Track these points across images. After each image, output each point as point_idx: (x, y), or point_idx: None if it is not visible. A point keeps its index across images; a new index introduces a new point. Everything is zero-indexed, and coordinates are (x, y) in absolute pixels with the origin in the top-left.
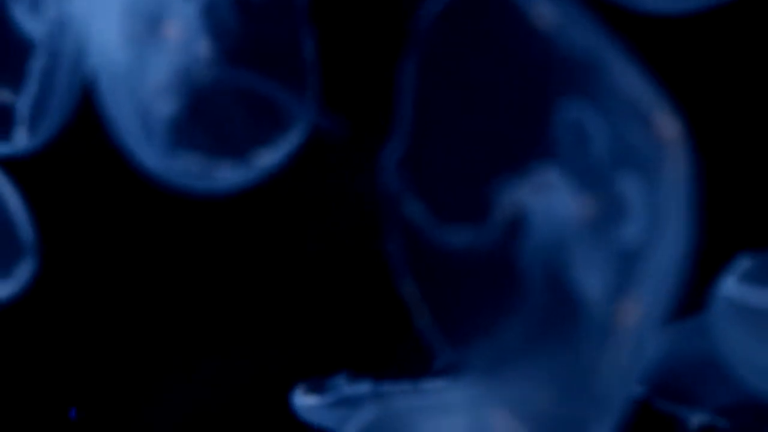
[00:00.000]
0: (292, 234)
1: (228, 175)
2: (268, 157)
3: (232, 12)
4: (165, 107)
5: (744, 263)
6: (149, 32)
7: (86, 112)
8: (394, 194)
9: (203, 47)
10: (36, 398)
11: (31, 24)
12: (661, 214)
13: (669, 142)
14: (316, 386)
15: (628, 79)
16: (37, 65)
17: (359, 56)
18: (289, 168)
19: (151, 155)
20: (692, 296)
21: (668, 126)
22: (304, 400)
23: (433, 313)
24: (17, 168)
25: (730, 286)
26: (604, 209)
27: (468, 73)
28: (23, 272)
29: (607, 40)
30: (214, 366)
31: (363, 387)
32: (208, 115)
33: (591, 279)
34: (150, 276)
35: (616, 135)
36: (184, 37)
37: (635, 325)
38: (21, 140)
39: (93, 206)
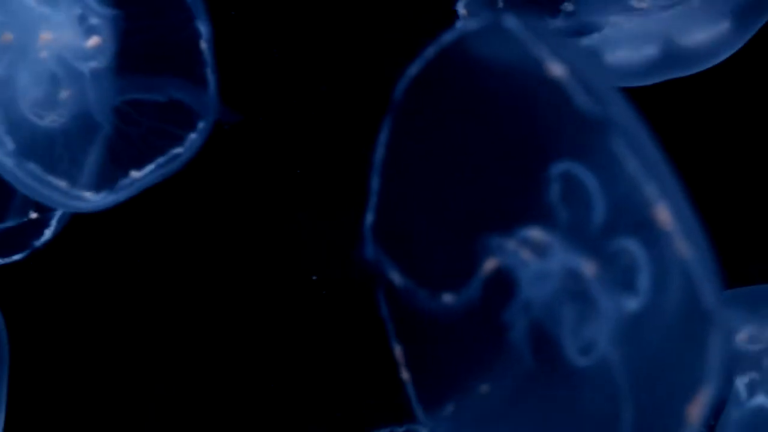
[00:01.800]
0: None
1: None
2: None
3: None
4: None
5: None
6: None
7: None
8: (373, 259)
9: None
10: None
11: None
12: (661, 278)
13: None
14: None
15: (633, 145)
16: None
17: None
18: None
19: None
20: None
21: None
22: None
23: (418, 373)
24: None
25: None
26: (600, 270)
27: (450, 136)
28: None
29: (614, 98)
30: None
31: None
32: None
33: (579, 339)
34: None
35: (615, 198)
36: (61, 46)
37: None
38: None
39: None
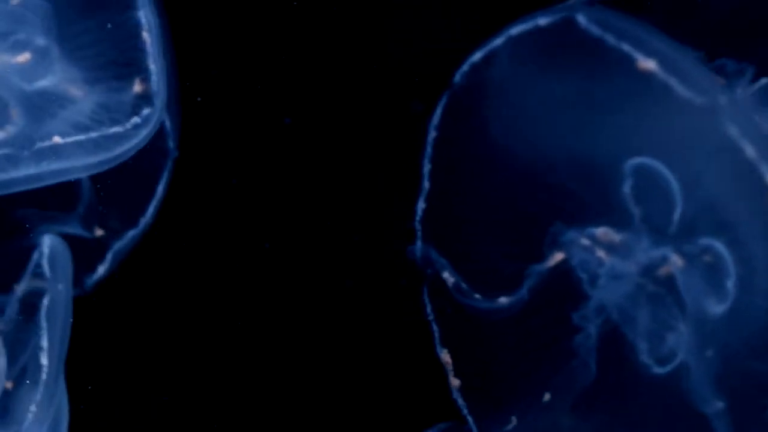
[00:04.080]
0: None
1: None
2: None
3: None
4: None
5: None
6: None
7: None
8: (423, 256)
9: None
10: None
11: None
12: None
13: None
14: None
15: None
16: None
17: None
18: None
19: None
20: None
21: None
22: None
23: (470, 380)
24: None
25: None
26: (681, 271)
27: (512, 125)
28: None
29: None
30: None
31: None
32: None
33: (655, 344)
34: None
35: (704, 195)
36: None
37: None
38: None
39: None
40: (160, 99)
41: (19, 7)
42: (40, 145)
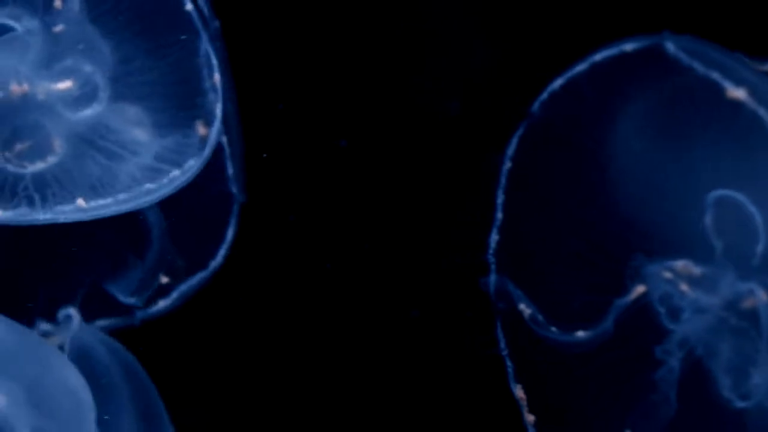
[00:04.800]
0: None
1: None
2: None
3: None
4: None
5: None
6: None
7: None
8: (498, 288)
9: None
10: None
11: None
12: None
13: None
14: None
15: None
16: None
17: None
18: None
19: None
20: None
21: None
22: None
23: (545, 416)
24: None
25: None
26: (766, 303)
27: (592, 154)
28: None
29: None
30: None
31: None
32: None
33: (738, 378)
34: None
35: None
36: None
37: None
38: None
39: None
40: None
41: (66, 33)
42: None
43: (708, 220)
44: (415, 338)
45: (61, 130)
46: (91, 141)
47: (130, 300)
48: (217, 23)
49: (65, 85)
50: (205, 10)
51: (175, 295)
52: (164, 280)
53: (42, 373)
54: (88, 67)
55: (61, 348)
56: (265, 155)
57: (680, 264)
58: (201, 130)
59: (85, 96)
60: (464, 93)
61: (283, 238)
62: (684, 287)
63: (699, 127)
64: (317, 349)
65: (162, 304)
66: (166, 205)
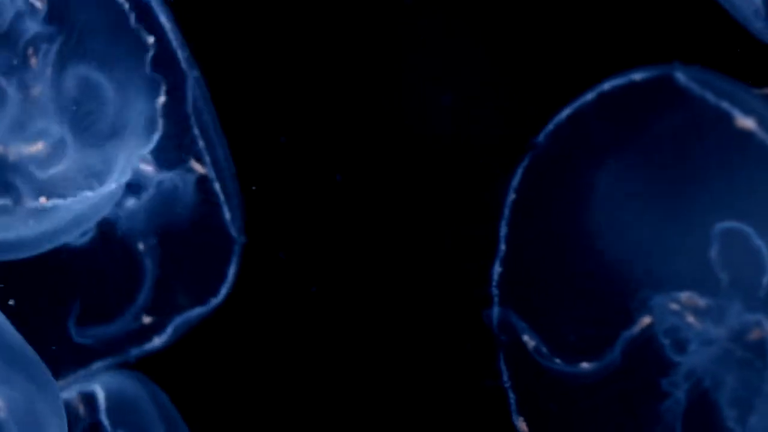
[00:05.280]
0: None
1: None
2: None
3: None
4: None
5: None
6: None
7: None
8: (501, 319)
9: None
10: None
11: None
12: None
13: None
14: None
15: None
16: None
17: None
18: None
19: None
20: None
21: None
22: None
23: None
24: None
25: None
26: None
27: (597, 185)
28: None
29: None
30: None
31: None
32: None
33: (742, 409)
34: None
35: None
36: None
37: None
38: None
39: None
40: None
41: (42, 95)
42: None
43: (714, 252)
44: (416, 370)
45: (30, 189)
46: (62, 195)
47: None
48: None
49: (36, 147)
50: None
51: (170, 330)
52: (147, 320)
53: (39, 395)
54: (56, 128)
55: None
56: (254, 187)
57: (685, 296)
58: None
59: (55, 155)
60: (468, 124)
61: (284, 272)
62: (690, 319)
63: (707, 158)
64: (319, 382)
65: (157, 341)
66: (166, 242)
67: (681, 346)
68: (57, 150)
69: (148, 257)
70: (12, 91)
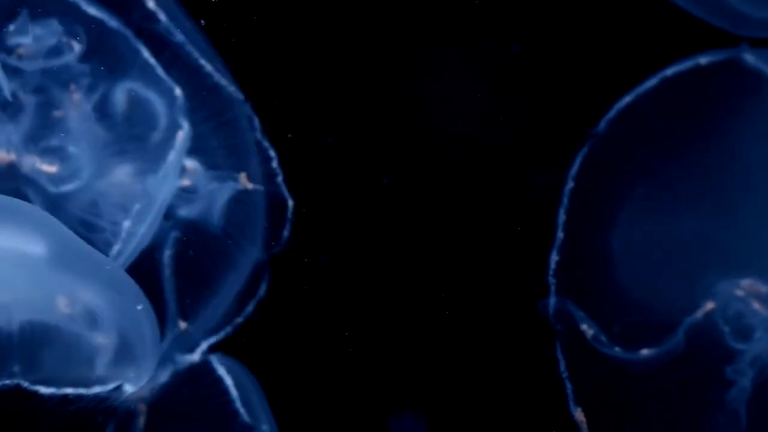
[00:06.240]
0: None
1: None
2: None
3: None
4: None
5: None
6: None
7: None
8: (559, 308)
9: None
10: None
11: None
12: None
13: None
14: None
15: None
16: None
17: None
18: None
19: None
20: None
21: None
22: None
23: None
24: None
25: None
26: None
27: (661, 173)
28: None
29: None
30: None
31: None
32: None
33: None
34: None
35: None
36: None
37: None
38: None
39: None
40: None
41: (67, 118)
42: None
43: None
44: (473, 362)
45: (41, 201)
46: (69, 212)
47: None
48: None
49: (50, 166)
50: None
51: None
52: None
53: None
54: (73, 149)
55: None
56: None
57: (744, 282)
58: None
59: (68, 175)
60: (526, 112)
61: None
62: (756, 305)
63: None
64: (371, 376)
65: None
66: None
67: (746, 333)
68: (71, 171)
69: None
70: (31, 105)
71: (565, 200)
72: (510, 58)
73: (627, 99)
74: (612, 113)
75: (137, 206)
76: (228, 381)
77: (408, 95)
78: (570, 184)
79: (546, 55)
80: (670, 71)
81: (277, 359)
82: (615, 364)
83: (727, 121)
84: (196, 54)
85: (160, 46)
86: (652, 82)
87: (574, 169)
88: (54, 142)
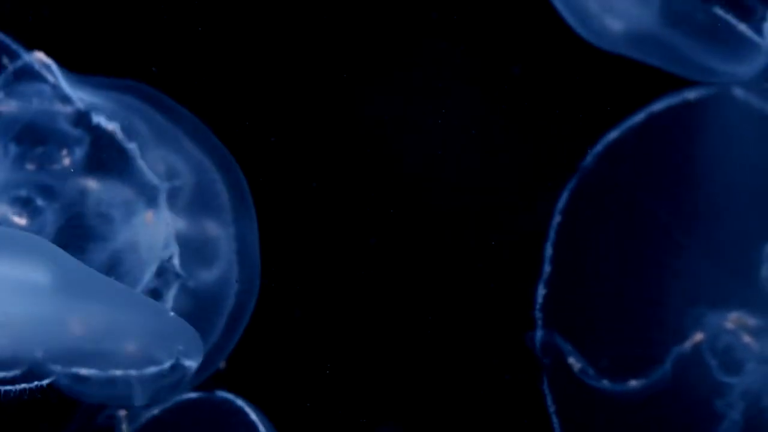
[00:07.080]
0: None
1: None
2: None
3: None
4: None
5: None
6: None
7: None
8: (545, 341)
9: None
10: None
11: None
12: None
13: None
14: None
15: None
16: None
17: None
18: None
19: None
20: None
21: None
22: None
23: None
24: None
25: None
26: None
27: (648, 205)
28: None
29: None
30: None
31: None
32: None
33: None
34: None
35: None
36: None
37: None
38: None
39: None
40: None
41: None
42: None
43: (764, 271)
44: (458, 397)
45: None
46: None
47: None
48: None
49: (18, 217)
50: None
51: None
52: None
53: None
54: (41, 202)
55: None
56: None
57: (734, 315)
58: None
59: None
60: (513, 147)
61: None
62: (747, 338)
63: (761, 173)
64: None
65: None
66: None
67: (735, 366)
68: (36, 225)
69: None
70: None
71: (552, 234)
72: (497, 93)
73: (614, 134)
74: (599, 147)
75: None
76: None
77: (389, 127)
78: (557, 218)
79: (533, 90)
80: (657, 106)
81: (261, 380)
82: (603, 396)
83: (714, 156)
84: None
85: None
86: (639, 117)
87: (561, 203)
88: (23, 191)
